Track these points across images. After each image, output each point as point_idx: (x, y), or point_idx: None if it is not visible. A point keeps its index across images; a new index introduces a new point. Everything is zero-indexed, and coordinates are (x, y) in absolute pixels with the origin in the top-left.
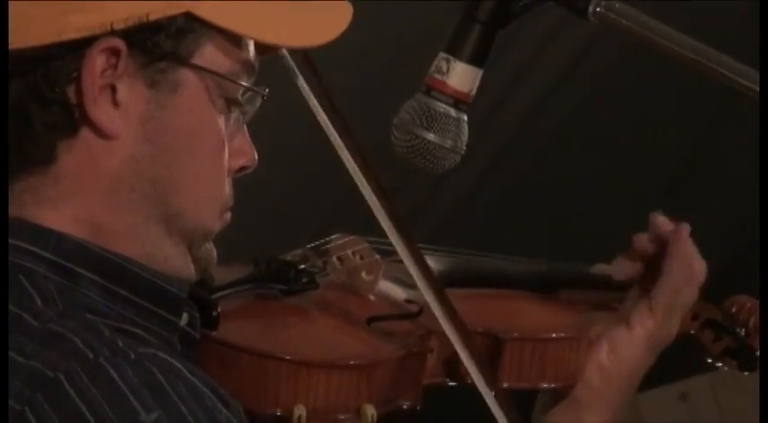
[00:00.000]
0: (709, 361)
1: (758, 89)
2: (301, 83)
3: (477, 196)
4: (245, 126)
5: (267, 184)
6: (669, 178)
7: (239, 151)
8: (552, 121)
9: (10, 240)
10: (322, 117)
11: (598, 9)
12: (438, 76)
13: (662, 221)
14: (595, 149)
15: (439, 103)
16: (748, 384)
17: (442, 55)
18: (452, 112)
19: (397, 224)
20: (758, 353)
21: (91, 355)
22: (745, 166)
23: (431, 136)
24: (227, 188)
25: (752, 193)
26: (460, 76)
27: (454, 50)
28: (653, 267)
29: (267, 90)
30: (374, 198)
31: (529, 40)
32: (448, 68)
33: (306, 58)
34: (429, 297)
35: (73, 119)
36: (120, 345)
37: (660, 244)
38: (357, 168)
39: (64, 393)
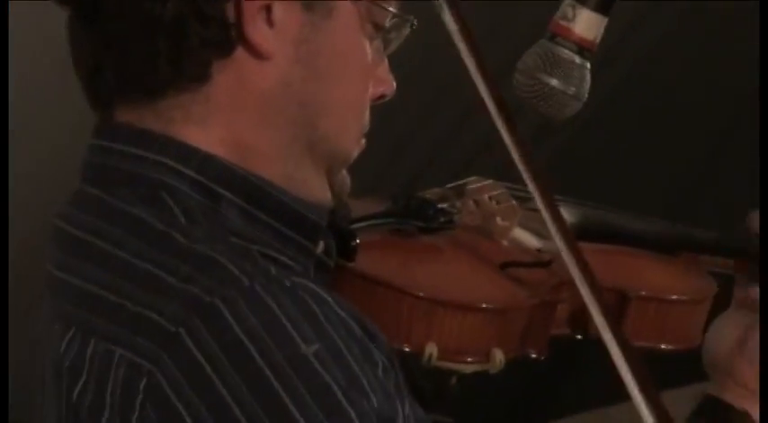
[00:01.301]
0: None
1: None
2: (448, 20)
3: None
4: (385, 55)
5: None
6: None
7: (380, 79)
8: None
9: (154, 156)
10: (467, 58)
11: None
12: (563, 23)
13: None
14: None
15: (563, 50)
16: None
17: (568, 1)
18: (576, 58)
19: (534, 171)
20: None
21: (247, 282)
22: None
23: (554, 82)
24: (367, 114)
25: None
26: (586, 22)
27: None
28: None
29: (415, 19)
30: (513, 144)
31: None
32: (574, 15)
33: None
34: (563, 248)
35: (229, 37)
36: (273, 272)
37: None
38: (498, 113)
39: (223, 320)
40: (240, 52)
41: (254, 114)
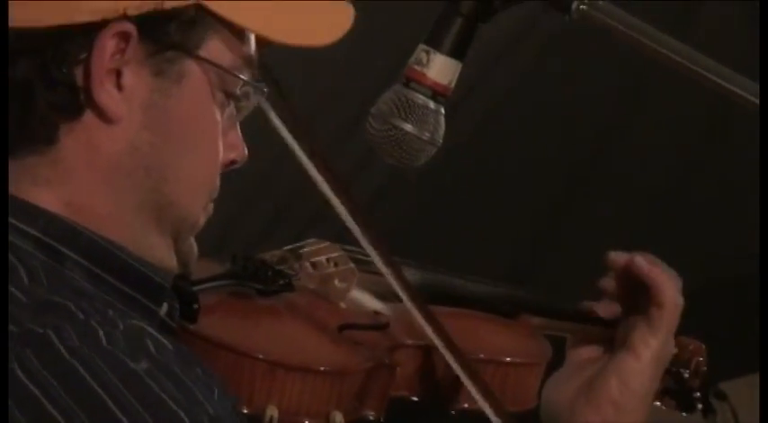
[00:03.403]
0: None
1: (748, 97)
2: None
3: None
4: (237, 122)
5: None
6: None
7: (231, 145)
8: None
9: None
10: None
11: (582, 6)
12: (417, 68)
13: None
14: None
15: (418, 95)
16: None
17: (423, 47)
18: (431, 104)
19: (372, 236)
20: (697, 394)
21: (81, 317)
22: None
23: (408, 127)
24: (217, 181)
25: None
26: (440, 68)
27: (435, 43)
28: (638, 292)
29: (266, 88)
30: (347, 213)
31: None
32: (428, 60)
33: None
34: (410, 306)
35: (77, 101)
36: (111, 314)
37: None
38: (328, 186)
39: (54, 348)
40: (89, 115)
41: (101, 177)
